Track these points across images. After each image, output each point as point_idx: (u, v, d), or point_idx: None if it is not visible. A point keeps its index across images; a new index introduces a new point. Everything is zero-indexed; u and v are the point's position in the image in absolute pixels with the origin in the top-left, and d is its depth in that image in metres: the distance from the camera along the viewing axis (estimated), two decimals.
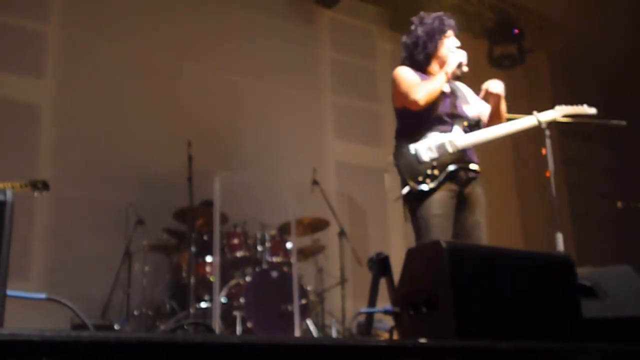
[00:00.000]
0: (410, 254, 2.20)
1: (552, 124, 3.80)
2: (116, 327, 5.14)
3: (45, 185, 4.35)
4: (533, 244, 6.93)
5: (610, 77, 8.49)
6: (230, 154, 6.40)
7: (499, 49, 7.85)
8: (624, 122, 3.92)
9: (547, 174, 3.78)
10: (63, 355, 1.27)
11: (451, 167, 3.41)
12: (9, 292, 1.49)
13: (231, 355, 1.48)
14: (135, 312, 5.41)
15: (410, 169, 3.42)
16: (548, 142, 3.79)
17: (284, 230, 5.77)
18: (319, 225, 6.09)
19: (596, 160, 8.78)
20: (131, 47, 6.30)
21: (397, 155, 3.49)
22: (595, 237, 7.79)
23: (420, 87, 3.45)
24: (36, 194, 4.31)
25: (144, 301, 5.48)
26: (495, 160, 7.83)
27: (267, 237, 5.64)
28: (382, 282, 2.92)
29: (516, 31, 7.86)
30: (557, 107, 3.64)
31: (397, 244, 6.88)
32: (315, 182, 6.14)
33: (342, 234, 6.12)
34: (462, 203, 3.46)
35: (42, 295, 1.81)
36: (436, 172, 3.39)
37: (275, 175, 6.39)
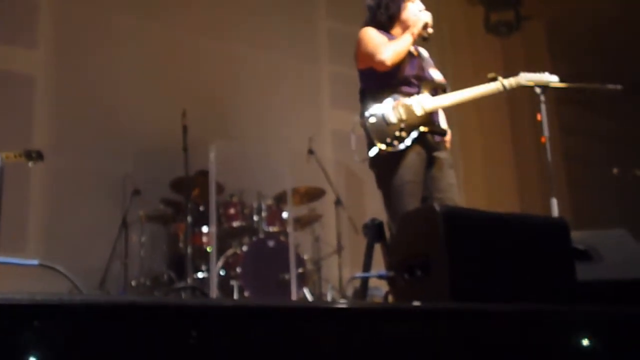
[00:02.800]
0: (404, 218, 2.20)
1: (549, 90, 3.79)
2: None
3: (39, 155, 4.32)
4: (529, 209, 6.94)
5: (608, 44, 8.43)
6: (225, 124, 6.38)
7: (495, 15, 7.76)
8: (619, 87, 3.90)
9: (543, 140, 3.77)
10: (54, 319, 1.27)
11: (419, 129, 3.38)
12: (1, 259, 1.48)
13: (225, 319, 1.48)
14: (133, 283, 5.43)
15: (378, 130, 3.37)
16: (543, 107, 3.77)
17: (280, 200, 5.77)
18: (315, 194, 6.09)
19: (592, 127, 8.77)
20: (125, 16, 6.23)
21: (364, 116, 3.44)
22: (592, 203, 7.81)
23: (386, 48, 3.42)
24: (30, 164, 4.28)
25: (142, 271, 5.50)
26: (491, 126, 7.81)
27: (263, 206, 5.64)
28: (377, 249, 2.93)
29: None
30: (522, 74, 3.61)
31: None
32: (311, 152, 6.11)
33: (338, 202, 6.12)
34: (431, 167, 3.44)
35: (34, 262, 1.81)
36: (404, 134, 3.35)
37: (271, 144, 6.37)
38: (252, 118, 6.51)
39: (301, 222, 6.01)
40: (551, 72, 3.75)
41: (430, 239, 2.07)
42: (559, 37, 8.58)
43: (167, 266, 5.58)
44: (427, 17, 3.52)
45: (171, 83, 6.21)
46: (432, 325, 1.80)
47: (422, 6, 3.62)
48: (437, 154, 3.48)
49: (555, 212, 3.49)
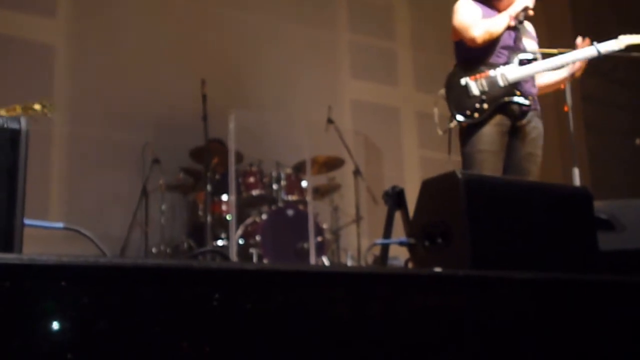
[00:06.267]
0: (426, 186, 2.19)
1: None
2: None
3: (47, 105, 4.16)
4: (550, 178, 6.91)
5: (631, 10, 8.27)
6: (245, 93, 6.36)
7: None
8: None
9: (566, 109, 3.73)
10: (81, 279, 1.28)
11: (501, 101, 3.40)
12: (27, 221, 1.50)
13: (247, 282, 1.50)
14: (154, 250, 5.48)
15: (459, 102, 3.43)
16: None
17: (299, 169, 5.78)
18: (334, 163, 6.09)
19: (614, 96, 8.63)
20: None
21: (447, 88, 3.50)
22: (613, 173, 7.73)
23: (480, 26, 3.43)
24: (46, 112, 4.14)
25: (162, 239, 5.55)
26: None
27: (282, 175, 5.65)
28: (398, 217, 2.92)
29: None
30: (621, 37, 3.45)
31: (412, 182, 6.87)
32: (330, 121, 6.10)
33: (357, 172, 6.11)
34: (515, 135, 3.48)
35: (60, 225, 1.83)
36: (485, 105, 3.39)
37: (290, 114, 6.36)
38: (271, 87, 6.49)
39: (320, 192, 6.02)
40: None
41: (451, 206, 2.06)
42: (582, 5, 8.43)
43: (187, 234, 5.63)
44: (529, 0, 3.48)
45: (191, 52, 6.19)
46: (451, 291, 1.81)
47: None
48: (522, 122, 3.49)
49: (576, 181, 3.47)
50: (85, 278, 1.29)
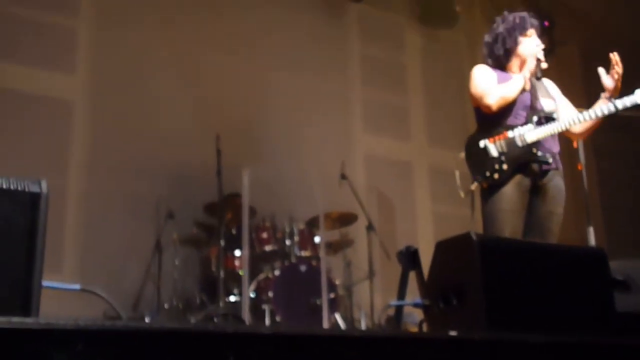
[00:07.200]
0: (440, 246, 2.19)
1: None
2: (147, 319, 5.19)
3: None
4: (564, 236, 6.87)
5: None
6: (259, 148, 6.41)
7: None
8: None
9: (579, 167, 3.73)
10: (97, 343, 1.29)
11: (521, 161, 3.44)
12: (44, 283, 1.51)
13: (261, 345, 1.49)
14: (166, 305, 5.46)
15: (479, 164, 3.49)
16: None
17: (312, 224, 5.77)
18: (347, 219, 6.08)
19: (627, 150, 8.63)
20: (161, 40, 6.34)
21: (467, 150, 3.56)
22: (628, 228, 7.67)
23: (494, 93, 3.49)
24: None
25: (175, 294, 5.53)
26: None
27: (295, 231, 5.65)
28: (412, 276, 2.92)
29: (546, 24, 7.75)
30: (637, 92, 3.42)
31: (425, 238, 6.86)
32: (343, 177, 6.11)
33: (370, 227, 6.09)
34: (535, 193, 3.49)
35: (77, 287, 1.84)
36: (505, 166, 3.43)
37: (303, 169, 6.39)
38: (285, 142, 6.54)
39: (333, 247, 6.00)
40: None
41: (466, 267, 2.06)
42: (594, 62, 8.50)
43: (200, 289, 5.61)
44: (540, 54, 3.53)
45: (205, 108, 6.28)
46: (467, 355, 1.79)
47: (538, 41, 3.63)
48: (543, 182, 3.51)
49: (592, 240, 3.45)
50: (101, 342, 1.30)
